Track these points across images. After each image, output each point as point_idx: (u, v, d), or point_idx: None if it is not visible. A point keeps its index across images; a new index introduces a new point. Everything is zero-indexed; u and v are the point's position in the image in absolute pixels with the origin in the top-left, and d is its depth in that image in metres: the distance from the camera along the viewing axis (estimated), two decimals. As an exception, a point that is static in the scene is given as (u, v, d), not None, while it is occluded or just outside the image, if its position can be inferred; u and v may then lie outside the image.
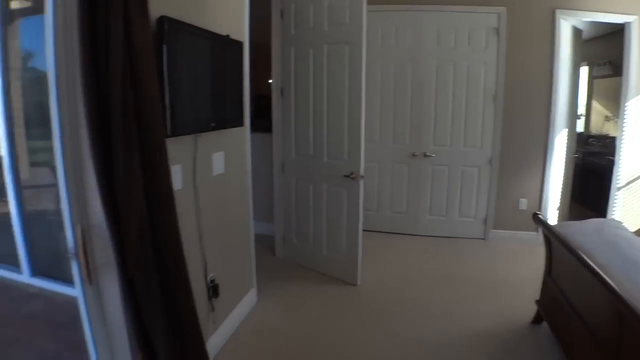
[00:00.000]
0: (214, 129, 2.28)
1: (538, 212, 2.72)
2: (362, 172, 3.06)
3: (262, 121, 3.98)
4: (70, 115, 1.50)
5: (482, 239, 4.30)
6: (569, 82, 4.21)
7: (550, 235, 2.39)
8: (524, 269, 3.53)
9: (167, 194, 1.60)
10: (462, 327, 2.67)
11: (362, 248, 3.19)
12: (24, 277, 3.40)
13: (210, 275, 2.38)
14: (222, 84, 2.30)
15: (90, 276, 1.56)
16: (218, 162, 2.44)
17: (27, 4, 3.35)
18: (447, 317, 2.78)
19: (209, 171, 2.34)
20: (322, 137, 3.26)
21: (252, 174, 2.91)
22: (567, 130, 4.32)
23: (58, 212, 3.94)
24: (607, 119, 5.58)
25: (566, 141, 4.34)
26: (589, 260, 1.86)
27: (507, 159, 4.13)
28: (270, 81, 4.06)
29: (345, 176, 3.10)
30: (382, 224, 4.46)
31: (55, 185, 4.03)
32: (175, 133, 1.84)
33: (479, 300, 3.02)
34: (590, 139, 5.87)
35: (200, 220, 2.22)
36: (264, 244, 3.83)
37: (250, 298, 2.92)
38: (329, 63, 3.14)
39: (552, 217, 4.26)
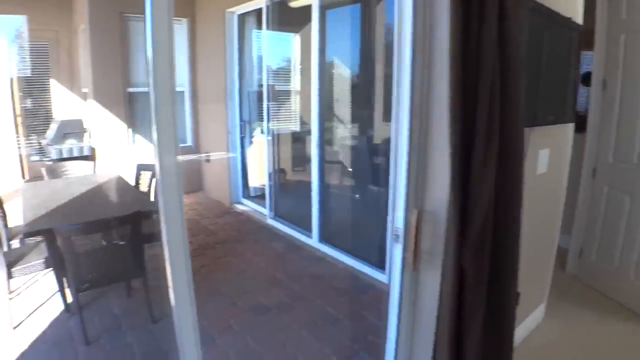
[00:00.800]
0: (550, 123, 2.06)
1: None
2: None
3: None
4: (422, 102, 1.45)
5: None
6: None
7: None
8: None
9: (517, 188, 1.45)
10: None
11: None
12: (313, 241, 3.92)
13: (516, 281, 2.18)
14: (559, 73, 2.06)
15: (415, 261, 1.52)
16: (543, 160, 2.22)
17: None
18: None
19: (534, 169, 2.15)
20: (652, 142, 2.65)
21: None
22: None
23: (340, 187, 4.39)
24: None
25: None
26: None
27: None
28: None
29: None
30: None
31: (339, 163, 4.49)
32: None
33: None
34: None
35: (517, 220, 2.03)
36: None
37: (538, 314, 2.63)
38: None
39: None
